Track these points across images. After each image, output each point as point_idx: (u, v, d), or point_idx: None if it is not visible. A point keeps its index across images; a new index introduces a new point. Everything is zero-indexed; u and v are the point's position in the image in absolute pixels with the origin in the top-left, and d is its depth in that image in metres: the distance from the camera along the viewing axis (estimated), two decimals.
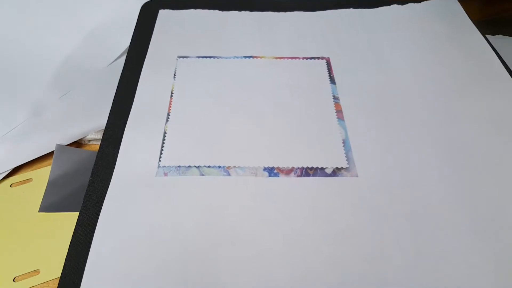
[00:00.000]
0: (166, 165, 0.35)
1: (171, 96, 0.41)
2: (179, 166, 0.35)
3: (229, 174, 0.35)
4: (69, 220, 0.36)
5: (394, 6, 0.52)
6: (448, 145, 0.37)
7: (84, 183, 0.36)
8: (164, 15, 0.51)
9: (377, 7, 0.52)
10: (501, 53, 0.46)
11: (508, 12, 0.68)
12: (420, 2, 0.53)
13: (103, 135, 0.38)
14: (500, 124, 0.39)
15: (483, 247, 0.31)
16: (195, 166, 0.35)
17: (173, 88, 0.42)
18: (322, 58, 0.46)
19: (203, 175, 0.35)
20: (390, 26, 0.50)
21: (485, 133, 0.38)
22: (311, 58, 0.46)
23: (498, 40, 0.57)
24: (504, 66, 0.44)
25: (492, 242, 0.31)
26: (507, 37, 0.61)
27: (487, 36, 0.49)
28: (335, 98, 0.41)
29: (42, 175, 0.41)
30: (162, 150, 0.36)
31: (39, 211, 0.38)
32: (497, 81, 0.43)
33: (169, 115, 0.39)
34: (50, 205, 0.39)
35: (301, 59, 0.45)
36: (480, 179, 0.35)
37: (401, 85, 0.42)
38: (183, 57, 0.45)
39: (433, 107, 0.40)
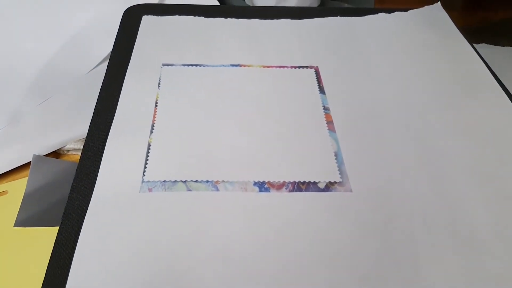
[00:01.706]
0: (151, 180, 0.34)
1: (156, 106, 0.40)
2: (164, 181, 0.34)
3: (217, 189, 0.33)
4: (47, 235, 0.35)
5: (382, 14, 0.52)
6: (443, 156, 0.36)
7: (63, 196, 0.35)
8: (147, 21, 0.49)
9: (365, 15, 0.52)
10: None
11: (489, 20, 0.69)
12: (407, 10, 0.53)
13: (83, 148, 0.36)
14: (493, 134, 0.38)
15: (484, 263, 0.30)
16: (181, 181, 0.34)
17: (157, 97, 0.40)
18: (311, 67, 0.45)
19: (190, 190, 0.33)
20: (378, 34, 0.50)
21: (479, 143, 0.38)
22: (299, 67, 0.45)
23: (482, 48, 0.57)
24: (491, 74, 0.45)
25: (490, 255, 0.30)
26: (491, 45, 0.62)
27: None
28: (325, 108, 0.40)
29: (18, 187, 0.40)
30: (146, 164, 0.35)
31: (14, 226, 0.36)
32: (485, 89, 0.43)
33: (153, 126, 0.38)
34: (26, 219, 0.37)
35: (289, 68, 0.44)
36: (477, 191, 0.34)
37: (392, 94, 0.42)
38: (167, 65, 0.44)
39: (425, 117, 0.40)
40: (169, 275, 0.28)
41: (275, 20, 0.51)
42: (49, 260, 0.29)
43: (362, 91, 0.42)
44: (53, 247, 0.30)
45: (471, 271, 0.30)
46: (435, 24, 0.51)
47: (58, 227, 0.31)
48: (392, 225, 0.32)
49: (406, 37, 0.49)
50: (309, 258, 0.30)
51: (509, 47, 0.62)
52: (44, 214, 0.38)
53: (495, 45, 0.62)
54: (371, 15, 0.52)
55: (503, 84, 0.44)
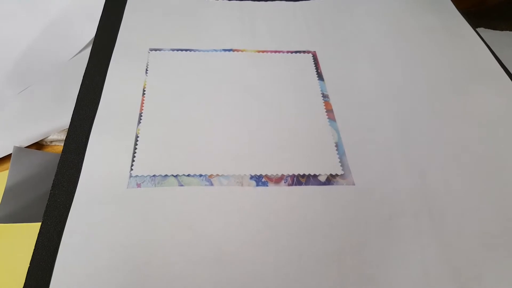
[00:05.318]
0: (139, 175, 0.32)
1: (143, 94, 0.37)
2: (154, 176, 0.32)
3: (211, 184, 0.31)
4: (30, 233, 0.33)
5: None
6: (451, 145, 0.35)
7: (46, 190, 0.33)
8: (133, 2, 0.47)
9: None
10: None
11: (486, 4, 0.67)
12: None
13: (65, 140, 0.34)
14: (499, 120, 0.37)
15: (501, 259, 0.29)
16: (172, 175, 0.32)
17: (145, 84, 0.38)
18: (308, 51, 0.43)
19: (182, 185, 0.31)
20: (377, 17, 0.48)
21: (486, 130, 0.36)
22: (296, 51, 0.43)
23: (480, 33, 0.56)
24: (495, 59, 0.43)
25: (501, 253, 0.29)
26: (489, 30, 0.60)
27: None
28: (324, 96, 0.38)
29: None
30: (134, 157, 0.33)
31: None
32: (489, 74, 0.42)
33: (141, 115, 0.36)
34: (7, 215, 0.35)
35: (285, 53, 0.42)
36: (488, 183, 0.33)
37: (394, 81, 0.40)
38: (155, 49, 0.42)
39: (429, 103, 0.38)
40: (161, 278, 0.27)
41: (268, 2, 0.48)
42: (30, 263, 0.27)
43: (362, 77, 0.40)
44: (34, 249, 0.28)
45: (485, 267, 0.28)
46: (436, 6, 0.50)
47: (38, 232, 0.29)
48: (398, 220, 0.30)
49: (406, 20, 0.47)
50: (310, 256, 0.28)
51: (508, 31, 0.61)
52: (27, 210, 0.36)
53: (493, 29, 0.61)
54: None
55: (507, 69, 0.42)
